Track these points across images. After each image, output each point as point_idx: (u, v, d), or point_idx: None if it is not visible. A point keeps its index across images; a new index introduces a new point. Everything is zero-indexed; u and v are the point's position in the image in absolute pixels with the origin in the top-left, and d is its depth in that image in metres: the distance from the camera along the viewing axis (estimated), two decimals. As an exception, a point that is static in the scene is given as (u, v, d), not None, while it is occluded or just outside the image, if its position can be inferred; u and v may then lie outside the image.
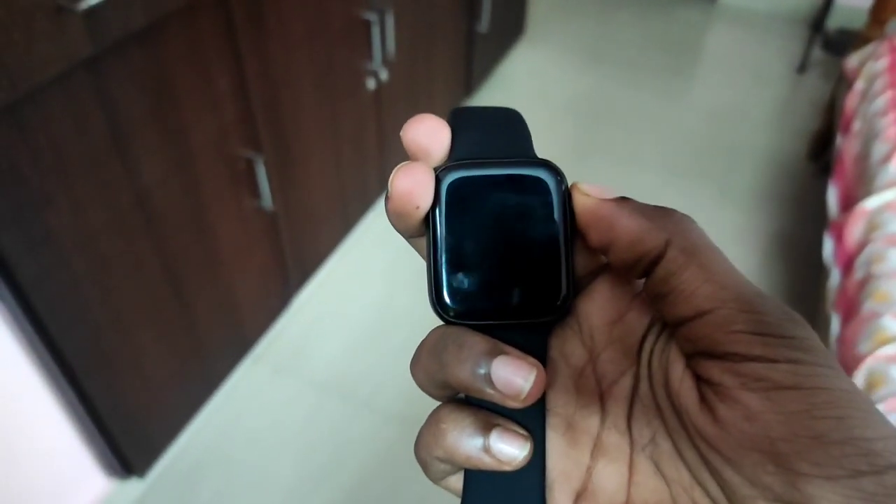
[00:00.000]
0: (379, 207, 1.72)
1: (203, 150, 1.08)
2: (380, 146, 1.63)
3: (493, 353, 0.21)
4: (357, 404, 1.35)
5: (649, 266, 0.21)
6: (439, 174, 0.22)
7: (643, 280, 0.22)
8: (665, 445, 0.21)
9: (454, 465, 0.23)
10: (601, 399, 0.23)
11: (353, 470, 1.25)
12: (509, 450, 0.21)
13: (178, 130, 1.02)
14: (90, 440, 1.10)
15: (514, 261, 0.22)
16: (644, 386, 0.22)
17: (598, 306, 0.23)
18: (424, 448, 0.23)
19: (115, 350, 1.05)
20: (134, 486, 1.19)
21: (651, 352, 0.22)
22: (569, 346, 0.24)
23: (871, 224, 1.20)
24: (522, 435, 0.22)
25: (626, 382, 0.23)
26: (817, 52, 2.48)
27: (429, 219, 0.22)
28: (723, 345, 0.19)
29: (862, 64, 1.67)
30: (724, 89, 2.33)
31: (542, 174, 0.22)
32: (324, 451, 1.28)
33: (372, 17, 1.38)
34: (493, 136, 0.24)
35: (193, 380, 1.27)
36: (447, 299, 0.22)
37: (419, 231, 0.23)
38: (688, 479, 0.21)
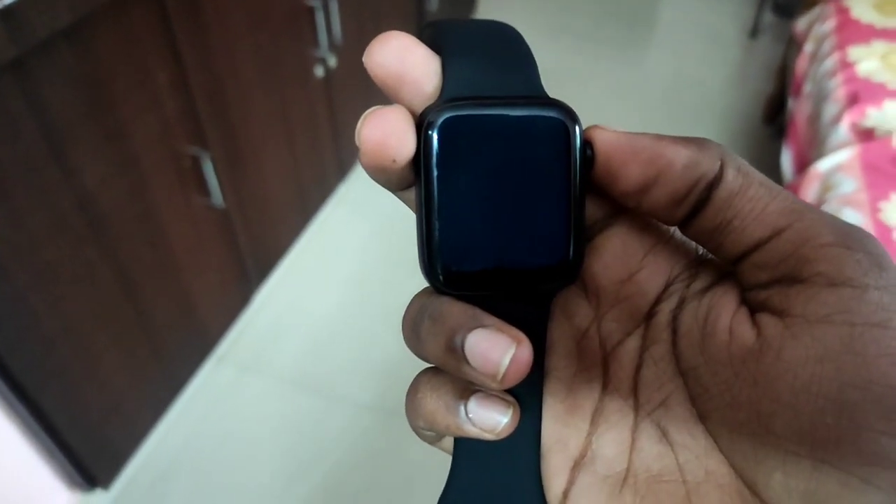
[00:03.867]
0: (339, 196, 1.70)
1: (146, 150, 1.05)
2: (334, 133, 1.60)
3: (470, 325, 0.19)
4: (328, 397, 1.33)
5: (704, 193, 0.18)
6: (429, 116, 0.19)
7: (670, 229, 0.20)
8: (679, 410, 0.20)
9: (439, 434, 0.21)
10: (604, 362, 0.21)
11: (329, 465, 1.24)
12: (491, 416, 0.19)
13: (118, 130, 0.99)
14: (49, 455, 1.07)
15: (517, 219, 0.19)
16: (659, 348, 0.20)
17: (606, 264, 0.21)
18: (409, 417, 0.21)
19: (69, 361, 1.02)
20: (99, 498, 1.17)
21: (674, 311, 0.20)
22: (572, 305, 0.21)
23: (825, 185, 1.21)
24: (505, 400, 0.20)
25: (632, 344, 0.21)
26: (769, 16, 2.49)
27: (419, 169, 0.19)
28: (811, 262, 0.17)
29: (810, 26, 1.68)
30: (680, 57, 2.33)
31: (554, 117, 0.19)
32: (297, 449, 1.27)
33: (315, 2, 1.35)
34: (491, 64, 0.20)
35: (155, 385, 1.24)
36: (439, 264, 0.19)
37: (404, 183, 0.20)
38: (704, 445, 0.19)
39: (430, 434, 0.21)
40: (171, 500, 1.19)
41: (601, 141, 0.19)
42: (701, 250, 0.21)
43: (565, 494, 0.21)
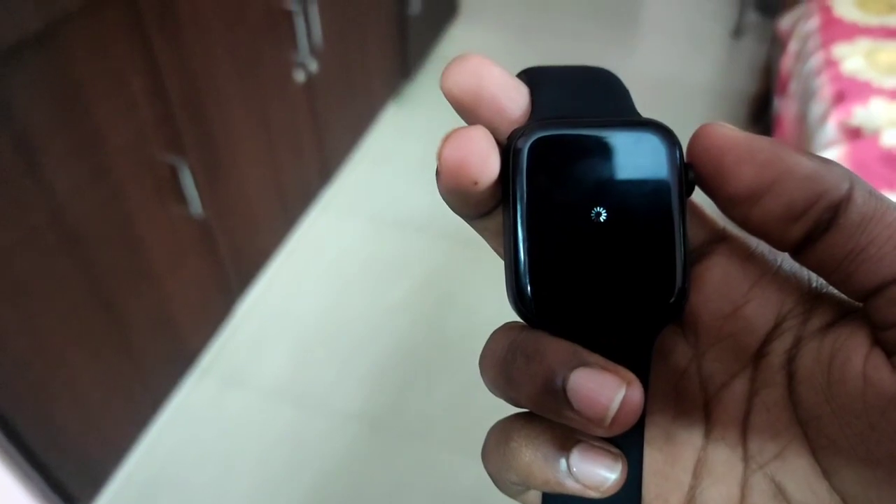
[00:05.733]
0: (323, 200, 1.67)
1: (121, 158, 1.01)
2: (317, 139, 1.57)
3: (573, 364, 0.16)
4: (312, 407, 1.31)
5: (826, 213, 0.16)
6: (519, 136, 0.17)
7: (778, 255, 0.18)
8: (798, 463, 0.18)
9: (531, 488, 0.19)
10: (706, 406, 0.19)
11: (313, 475, 1.21)
12: (596, 472, 0.17)
13: (92, 138, 0.96)
14: (25, 476, 1.03)
15: (615, 248, 0.18)
16: (772, 392, 0.18)
17: (706, 297, 0.19)
18: (493, 466, 0.19)
19: (44, 378, 0.98)
20: (79, 517, 1.13)
21: (790, 351, 0.18)
22: (668, 341, 0.19)
23: (814, 185, 1.20)
24: (612, 453, 0.17)
25: (739, 387, 0.19)
26: (752, 16, 2.49)
27: (506, 191, 0.18)
28: None
29: (794, 25, 1.67)
30: (663, 57, 2.33)
31: (651, 137, 0.18)
32: (281, 460, 1.24)
33: (294, 6, 1.32)
34: (584, 93, 0.19)
35: (135, 401, 1.20)
36: (532, 294, 0.18)
37: (482, 209, 0.18)
38: (828, 501, 0.17)
39: (516, 487, 0.19)
40: (153, 518, 1.16)
41: (716, 136, 0.17)
42: (814, 283, 0.18)
43: None
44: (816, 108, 1.36)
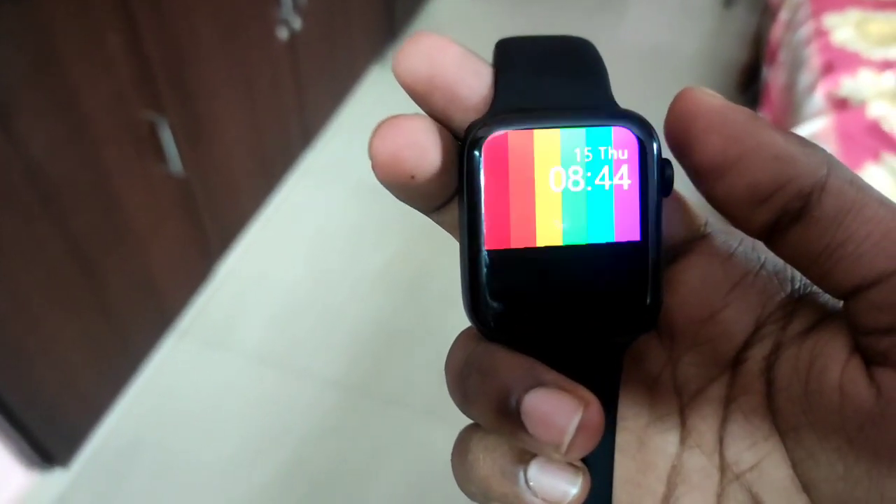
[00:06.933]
0: (304, 163, 1.64)
1: (99, 116, 0.99)
2: (299, 98, 1.54)
3: (528, 383, 0.15)
4: (294, 372, 1.31)
5: (797, 200, 0.15)
6: (474, 132, 0.16)
7: (750, 244, 0.17)
8: (776, 475, 0.17)
9: (491, 502, 0.18)
10: (682, 412, 0.18)
11: (295, 441, 1.22)
12: (556, 486, 0.16)
13: (68, 96, 0.93)
14: (3, 434, 1.03)
15: (583, 254, 0.16)
16: (750, 400, 0.17)
17: (682, 300, 0.17)
18: (456, 477, 0.18)
19: (23, 338, 0.97)
20: (58, 476, 1.13)
21: (769, 357, 0.17)
22: (641, 345, 0.18)
23: (799, 156, 1.20)
24: (573, 465, 0.16)
25: (716, 393, 0.18)
26: (742, -17, 2.47)
27: (462, 192, 0.16)
28: None
29: (785, -8, 1.65)
30: (653, 27, 2.30)
31: (626, 130, 0.16)
32: (262, 425, 1.24)
33: (278, -40, 1.29)
34: (554, 76, 0.17)
35: (114, 361, 1.20)
36: (489, 305, 0.16)
37: (433, 203, 0.17)
38: None
39: (480, 499, 0.18)
40: (133, 477, 1.16)
41: (691, 100, 0.16)
42: (797, 284, 0.17)
43: None
44: (804, 78, 1.35)
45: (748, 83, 1.96)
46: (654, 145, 0.16)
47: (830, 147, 1.16)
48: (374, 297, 1.42)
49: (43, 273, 0.97)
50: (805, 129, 1.23)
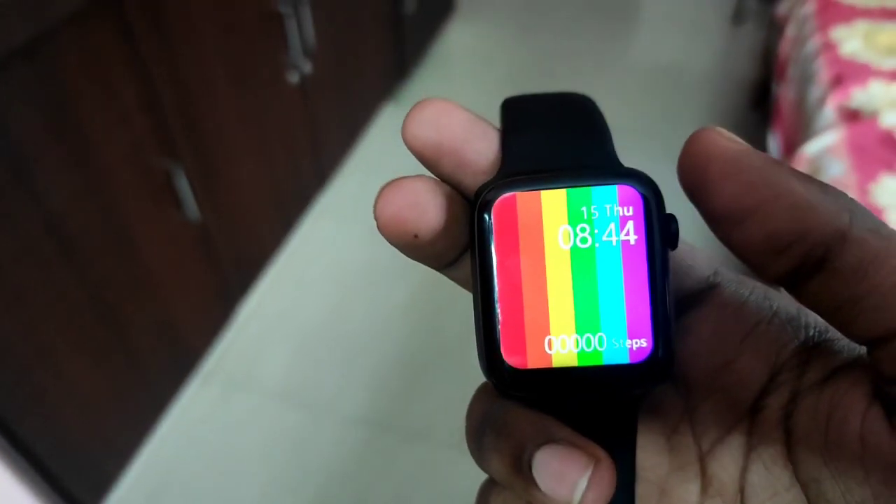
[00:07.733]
0: (321, 203, 1.67)
1: (116, 167, 1.02)
2: (313, 139, 1.57)
3: (539, 440, 0.15)
4: (318, 412, 1.31)
5: (818, 250, 0.14)
6: (484, 195, 0.17)
7: (767, 291, 0.17)
8: None
9: None
10: (702, 461, 0.18)
11: (320, 479, 1.21)
12: None
13: (86, 148, 0.96)
14: (31, 483, 1.04)
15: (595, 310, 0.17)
16: (770, 450, 0.17)
17: (695, 350, 0.18)
18: None
19: (47, 386, 0.99)
20: (86, 524, 1.14)
21: (787, 407, 0.17)
22: (659, 395, 0.18)
23: (813, 169, 1.19)
24: None
25: (735, 441, 0.17)
26: (751, 1, 2.47)
27: (475, 254, 0.17)
28: None
29: (791, 9, 1.66)
30: (662, 47, 2.31)
31: (630, 188, 0.16)
32: (287, 465, 1.24)
33: (286, 9, 1.32)
34: (558, 136, 0.18)
35: (139, 406, 1.21)
36: (502, 362, 0.17)
37: (443, 260, 0.18)
38: None
39: None
40: (160, 523, 1.17)
41: (706, 142, 0.16)
42: (811, 332, 0.17)
43: None
44: (814, 92, 1.34)
45: (760, 100, 1.95)
46: (658, 202, 0.17)
47: (844, 160, 1.15)
48: (394, 334, 1.42)
49: (65, 321, 0.99)
50: (817, 143, 1.22)
